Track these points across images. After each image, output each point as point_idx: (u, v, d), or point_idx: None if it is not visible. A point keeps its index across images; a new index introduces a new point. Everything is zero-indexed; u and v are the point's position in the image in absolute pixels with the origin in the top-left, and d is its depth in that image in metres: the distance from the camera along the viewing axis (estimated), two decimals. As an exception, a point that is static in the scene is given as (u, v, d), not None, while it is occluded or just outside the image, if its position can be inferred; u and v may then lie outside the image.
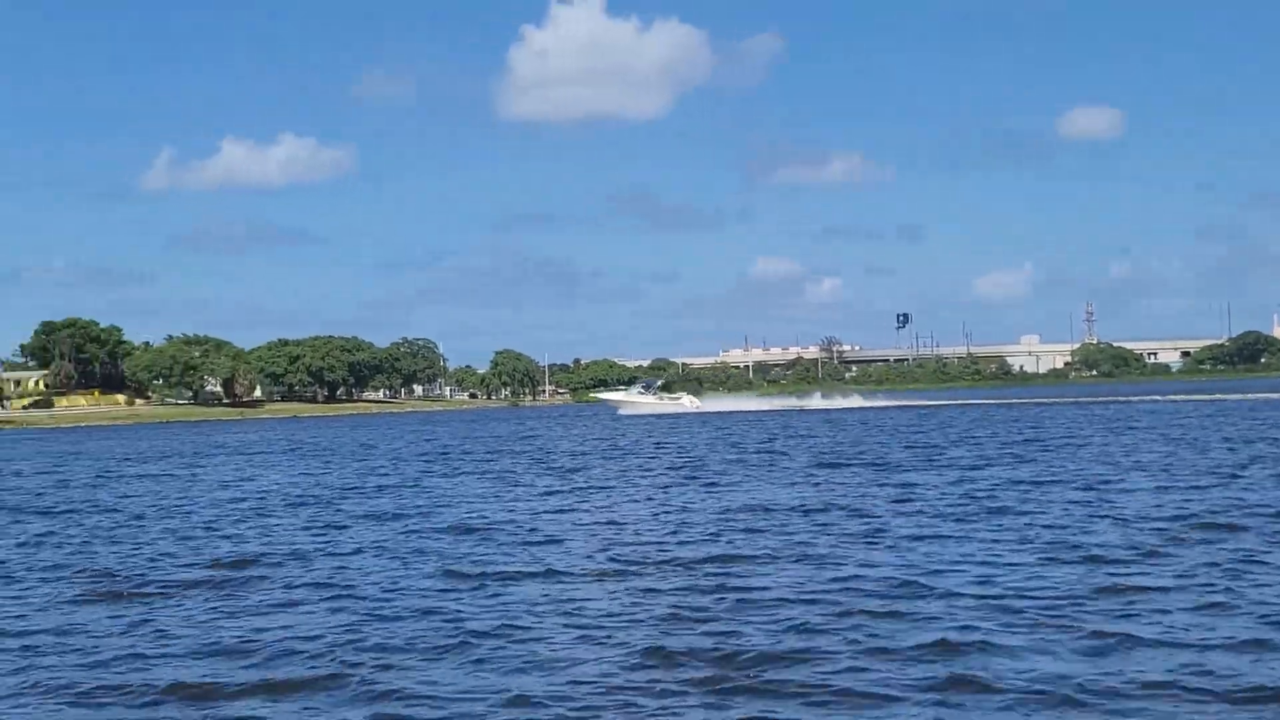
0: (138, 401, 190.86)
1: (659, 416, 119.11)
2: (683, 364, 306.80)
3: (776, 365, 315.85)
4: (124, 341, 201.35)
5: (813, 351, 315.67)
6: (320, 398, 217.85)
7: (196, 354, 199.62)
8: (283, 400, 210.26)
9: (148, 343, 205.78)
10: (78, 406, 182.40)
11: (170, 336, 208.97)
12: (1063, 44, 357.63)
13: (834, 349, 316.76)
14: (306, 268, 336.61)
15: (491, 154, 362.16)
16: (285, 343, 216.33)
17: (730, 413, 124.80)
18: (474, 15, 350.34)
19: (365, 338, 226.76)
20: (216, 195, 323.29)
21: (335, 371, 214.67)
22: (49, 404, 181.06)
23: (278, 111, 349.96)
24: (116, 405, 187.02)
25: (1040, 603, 16.12)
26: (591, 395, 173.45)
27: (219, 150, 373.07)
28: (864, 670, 13.10)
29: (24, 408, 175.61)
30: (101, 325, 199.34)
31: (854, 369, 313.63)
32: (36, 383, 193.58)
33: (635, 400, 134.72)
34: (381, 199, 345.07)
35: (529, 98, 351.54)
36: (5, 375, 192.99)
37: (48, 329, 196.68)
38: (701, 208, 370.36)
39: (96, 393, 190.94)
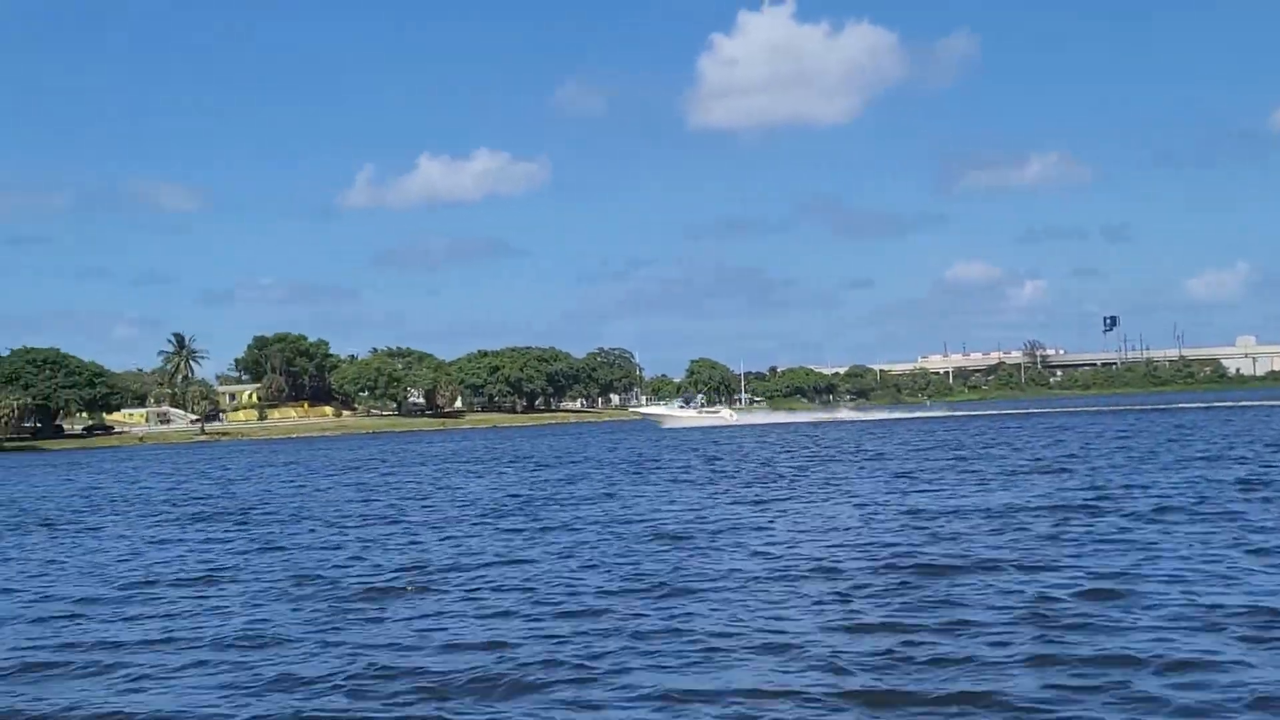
0: (344, 413, 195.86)
1: (707, 429, 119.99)
2: (880, 370, 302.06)
3: (977, 370, 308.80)
4: (331, 355, 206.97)
5: (1015, 356, 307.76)
6: (519, 408, 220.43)
7: (400, 366, 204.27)
8: (483, 410, 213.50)
9: (353, 356, 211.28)
10: (289, 418, 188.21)
11: (375, 350, 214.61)
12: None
13: (1037, 353, 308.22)
14: (503, 280, 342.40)
15: (682, 163, 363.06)
16: (485, 354, 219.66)
17: (769, 424, 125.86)
18: (663, 26, 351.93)
19: (562, 348, 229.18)
20: (415, 211, 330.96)
21: (533, 382, 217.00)
22: (263, 416, 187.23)
23: (473, 127, 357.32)
24: (325, 416, 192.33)
25: None
26: (632, 410, 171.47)
27: (416, 167, 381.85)
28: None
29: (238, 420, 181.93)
30: (310, 339, 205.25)
31: (1059, 373, 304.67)
32: (250, 395, 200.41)
33: (677, 414, 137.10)
34: (575, 210, 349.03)
35: (719, 106, 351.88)
36: (221, 388, 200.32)
37: (260, 343, 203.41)
38: (894, 212, 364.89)
39: (306, 405, 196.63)
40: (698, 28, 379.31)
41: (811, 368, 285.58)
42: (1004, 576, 18.27)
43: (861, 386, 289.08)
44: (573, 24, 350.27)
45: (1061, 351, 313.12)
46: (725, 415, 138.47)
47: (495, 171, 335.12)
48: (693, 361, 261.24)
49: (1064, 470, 40.18)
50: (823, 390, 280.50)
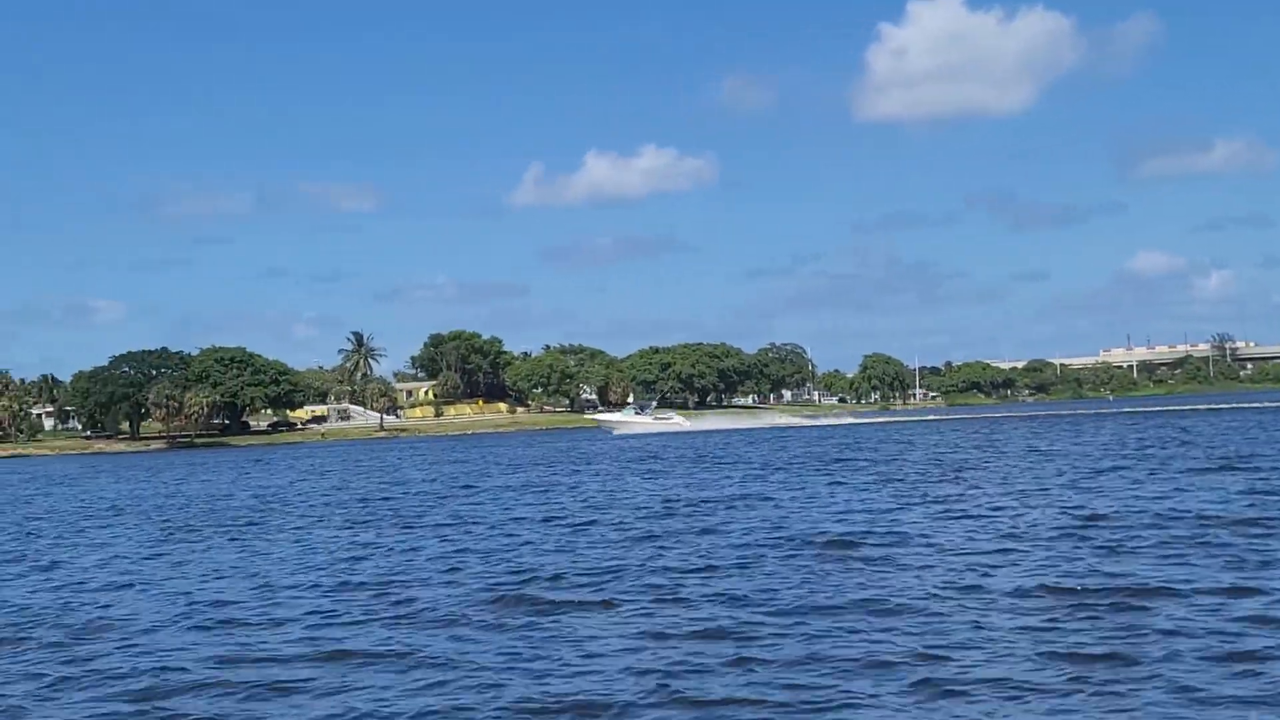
0: (518, 409, 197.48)
1: (659, 435, 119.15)
2: (1060, 364, 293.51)
3: (1163, 364, 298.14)
4: (504, 352, 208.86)
5: (1202, 349, 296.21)
6: (691, 404, 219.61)
7: (572, 363, 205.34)
8: (656, 407, 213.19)
9: (526, 353, 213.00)
10: (464, 414, 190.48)
11: (548, 347, 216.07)
12: None
13: (1226, 346, 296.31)
14: (671, 276, 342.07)
15: (849, 157, 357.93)
16: (656, 350, 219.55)
17: (720, 431, 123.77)
18: (830, 17, 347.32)
19: (733, 344, 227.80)
20: (582, 208, 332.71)
21: (705, 378, 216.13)
22: (439, 412, 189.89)
23: (639, 124, 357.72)
24: (499, 413, 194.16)
25: None
26: (588, 417, 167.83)
27: (584, 165, 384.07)
28: None
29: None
30: (484, 337, 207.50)
31: (1249, 366, 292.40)
32: (427, 392, 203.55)
33: (630, 421, 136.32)
34: (742, 206, 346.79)
35: (887, 98, 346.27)
36: (399, 385, 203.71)
37: (435, 341, 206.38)
38: (1069, 202, 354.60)
39: (480, 401, 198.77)
40: (865, 18, 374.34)
41: (988, 362, 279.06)
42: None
43: (1040, 381, 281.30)
44: (738, 18, 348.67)
45: (1252, 344, 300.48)
46: (678, 422, 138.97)
47: (662, 168, 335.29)
48: (866, 357, 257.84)
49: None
50: (1000, 385, 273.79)
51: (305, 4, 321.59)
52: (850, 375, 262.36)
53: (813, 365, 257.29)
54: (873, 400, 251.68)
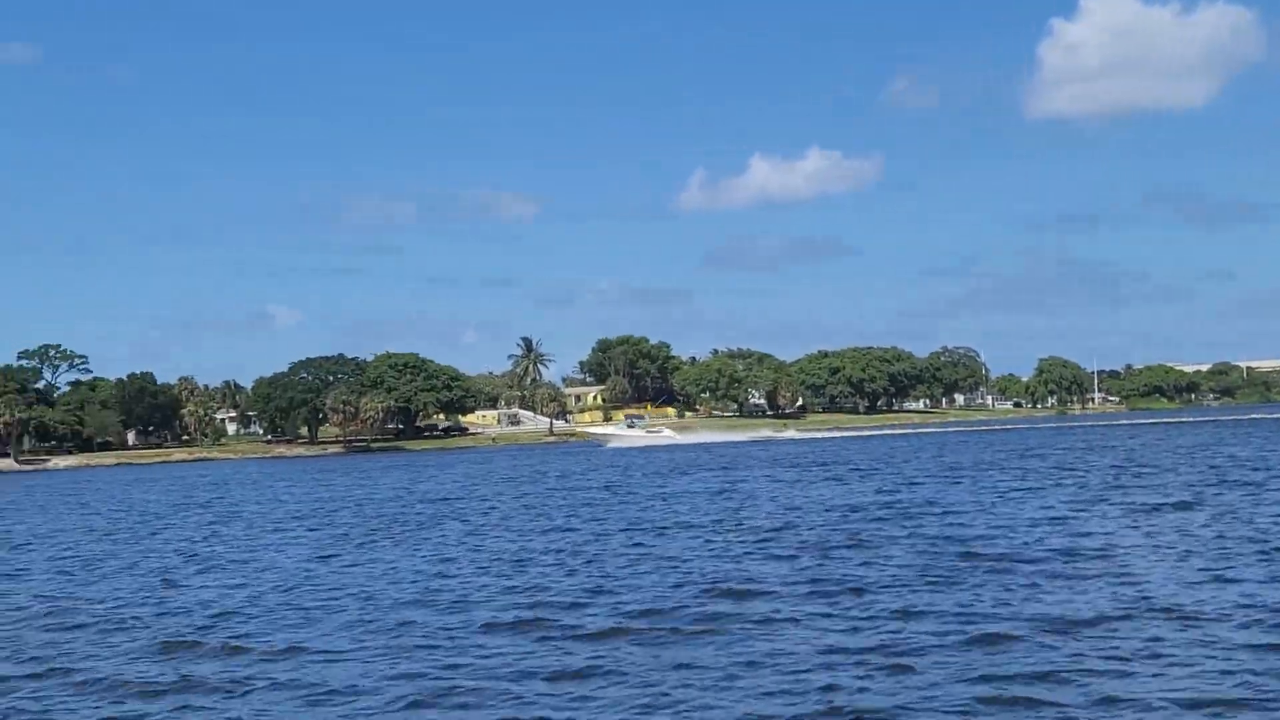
0: (687, 414, 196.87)
1: (652, 448, 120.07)
2: (1247, 367, 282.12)
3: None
4: (672, 357, 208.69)
5: None
6: (861, 408, 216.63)
7: (740, 367, 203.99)
8: (824, 411, 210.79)
9: (694, 357, 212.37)
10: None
11: (716, 351, 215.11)
12: None
13: None
14: (837, 279, 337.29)
15: (1021, 155, 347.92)
16: (825, 354, 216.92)
17: (714, 444, 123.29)
18: (998, 15, 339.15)
19: (903, 347, 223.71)
20: (747, 211, 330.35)
21: (875, 382, 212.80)
22: (607, 416, 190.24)
23: (804, 126, 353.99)
24: (667, 417, 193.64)
25: None
26: (581, 432, 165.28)
27: (748, 168, 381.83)
28: None
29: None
30: (651, 342, 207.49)
31: None
32: (595, 397, 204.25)
33: (624, 434, 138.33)
34: (911, 207, 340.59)
35: (1059, 94, 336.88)
36: (567, 390, 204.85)
37: (603, 346, 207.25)
38: (1255, 200, 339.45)
39: (649, 405, 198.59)
40: (1036, 14, 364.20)
41: (1170, 365, 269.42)
42: None
43: (1226, 384, 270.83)
44: (904, 17, 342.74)
45: None
46: (668, 435, 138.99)
47: (827, 170, 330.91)
48: (1041, 360, 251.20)
49: None
50: (1183, 389, 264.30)
51: (469, 14, 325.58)
52: (1025, 379, 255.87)
53: (986, 369, 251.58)
54: (1049, 405, 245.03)
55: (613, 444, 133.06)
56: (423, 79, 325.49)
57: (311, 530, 38.44)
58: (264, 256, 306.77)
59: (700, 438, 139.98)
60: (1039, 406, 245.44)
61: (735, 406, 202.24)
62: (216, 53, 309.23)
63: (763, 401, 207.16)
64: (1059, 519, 30.05)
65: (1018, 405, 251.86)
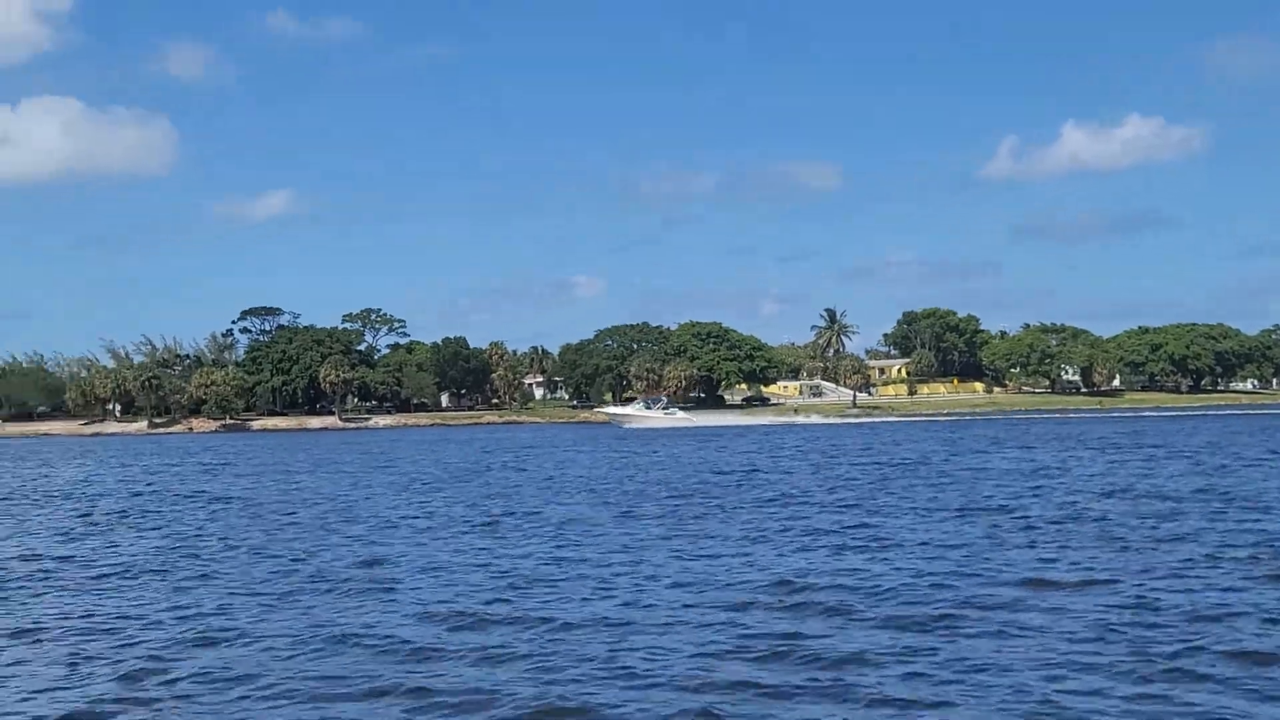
0: (995, 390, 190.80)
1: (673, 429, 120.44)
2: None
3: None
4: (981, 331, 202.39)
5: None
6: (1183, 388, 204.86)
7: (1053, 342, 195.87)
8: (1142, 390, 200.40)
9: (1003, 332, 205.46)
10: (938, 393, 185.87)
11: (1026, 325, 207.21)
12: None
13: None
14: (1155, 252, 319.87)
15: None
16: (1145, 330, 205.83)
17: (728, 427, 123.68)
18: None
19: (1231, 324, 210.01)
20: (1058, 181, 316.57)
21: (1200, 360, 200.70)
22: (912, 390, 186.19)
23: (1123, 93, 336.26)
24: (974, 393, 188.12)
25: None
26: (598, 412, 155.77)
27: (1060, 136, 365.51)
28: None
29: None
30: (959, 315, 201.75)
31: None
32: (899, 370, 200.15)
33: (643, 415, 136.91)
34: (1239, 178, 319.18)
35: None
36: (871, 363, 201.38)
37: (909, 319, 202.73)
38: None
39: (955, 381, 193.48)
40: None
41: None
42: None
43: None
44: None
45: None
46: (683, 417, 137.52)
47: (1147, 138, 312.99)
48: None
49: None
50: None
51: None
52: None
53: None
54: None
55: (630, 425, 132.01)
56: (725, 50, 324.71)
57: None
58: (567, 226, 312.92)
59: (712, 421, 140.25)
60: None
61: (1047, 383, 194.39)
62: (522, 28, 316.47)
63: (1076, 379, 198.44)
64: None
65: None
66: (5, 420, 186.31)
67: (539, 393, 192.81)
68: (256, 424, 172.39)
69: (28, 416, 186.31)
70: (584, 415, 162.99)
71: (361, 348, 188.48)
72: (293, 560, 23.79)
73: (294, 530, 29.72)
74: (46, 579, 22.17)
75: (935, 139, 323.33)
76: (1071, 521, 27.14)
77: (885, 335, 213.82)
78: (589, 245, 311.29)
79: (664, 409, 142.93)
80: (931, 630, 15.68)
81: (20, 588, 21.11)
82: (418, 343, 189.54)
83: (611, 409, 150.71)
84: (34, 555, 25.75)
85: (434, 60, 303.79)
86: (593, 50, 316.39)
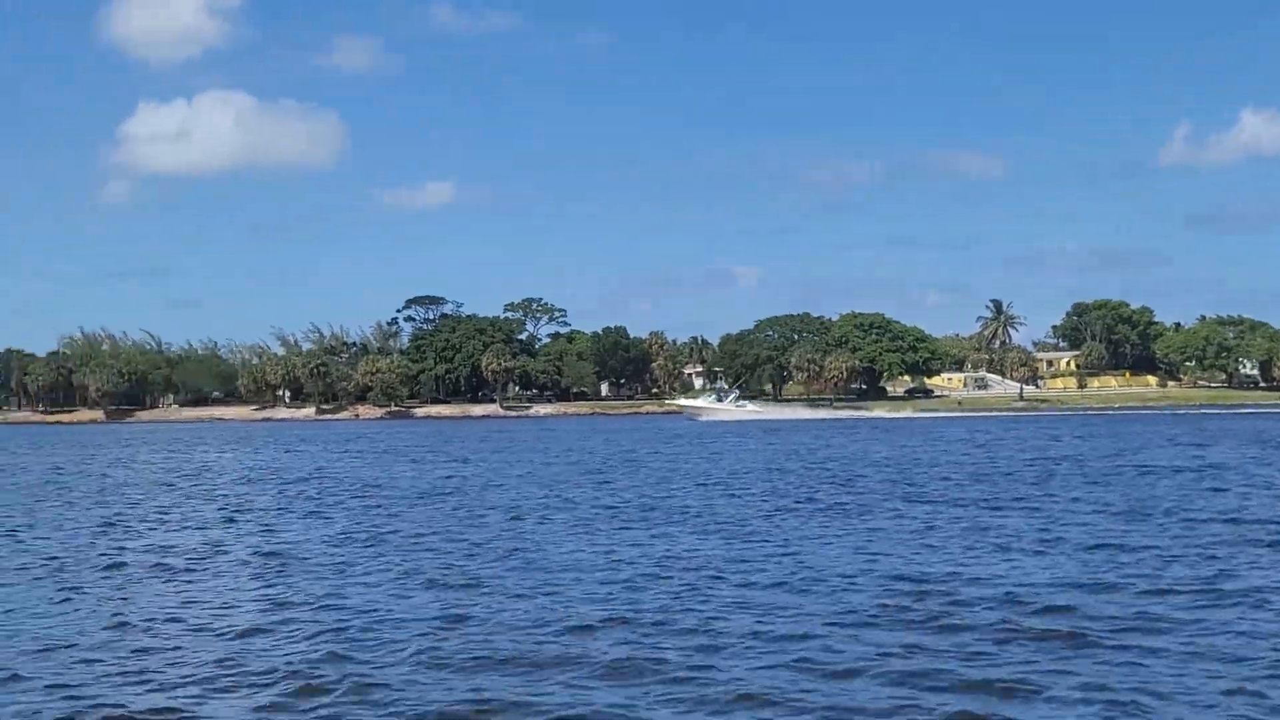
0: (1169, 383, 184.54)
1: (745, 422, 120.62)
2: None
3: None
4: (1154, 323, 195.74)
5: None
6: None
7: (1230, 335, 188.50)
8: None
9: (1178, 324, 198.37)
10: (1109, 386, 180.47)
11: (1202, 317, 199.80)
12: None
13: None
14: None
15: None
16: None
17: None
18: None
19: None
20: (1235, 169, 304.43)
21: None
22: (1082, 384, 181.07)
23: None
24: (1147, 386, 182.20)
25: None
26: (669, 404, 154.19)
27: (1238, 121, 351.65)
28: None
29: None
30: (1131, 306, 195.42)
31: None
32: (1068, 363, 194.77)
33: (716, 408, 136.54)
34: None
35: None
36: (1039, 355, 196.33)
37: (1078, 310, 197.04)
38: None
39: (1127, 374, 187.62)
40: None
41: None
42: None
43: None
44: None
45: None
46: (752, 409, 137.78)
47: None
48: None
49: None
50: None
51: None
52: None
53: None
54: None
55: (704, 417, 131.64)
56: (884, 37, 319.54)
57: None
58: (726, 216, 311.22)
59: (779, 414, 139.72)
60: None
61: (1224, 377, 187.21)
62: (677, 16, 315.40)
63: (1254, 373, 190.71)
64: None
65: None
66: (181, 405, 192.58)
67: (698, 383, 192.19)
68: (420, 411, 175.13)
69: (202, 401, 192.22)
70: (667, 405, 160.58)
71: (523, 337, 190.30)
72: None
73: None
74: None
75: (1106, 127, 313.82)
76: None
77: (1054, 327, 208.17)
78: (748, 234, 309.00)
79: (734, 401, 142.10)
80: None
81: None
82: (578, 332, 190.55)
83: (683, 400, 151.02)
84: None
85: (591, 50, 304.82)
86: (748, 37, 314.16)
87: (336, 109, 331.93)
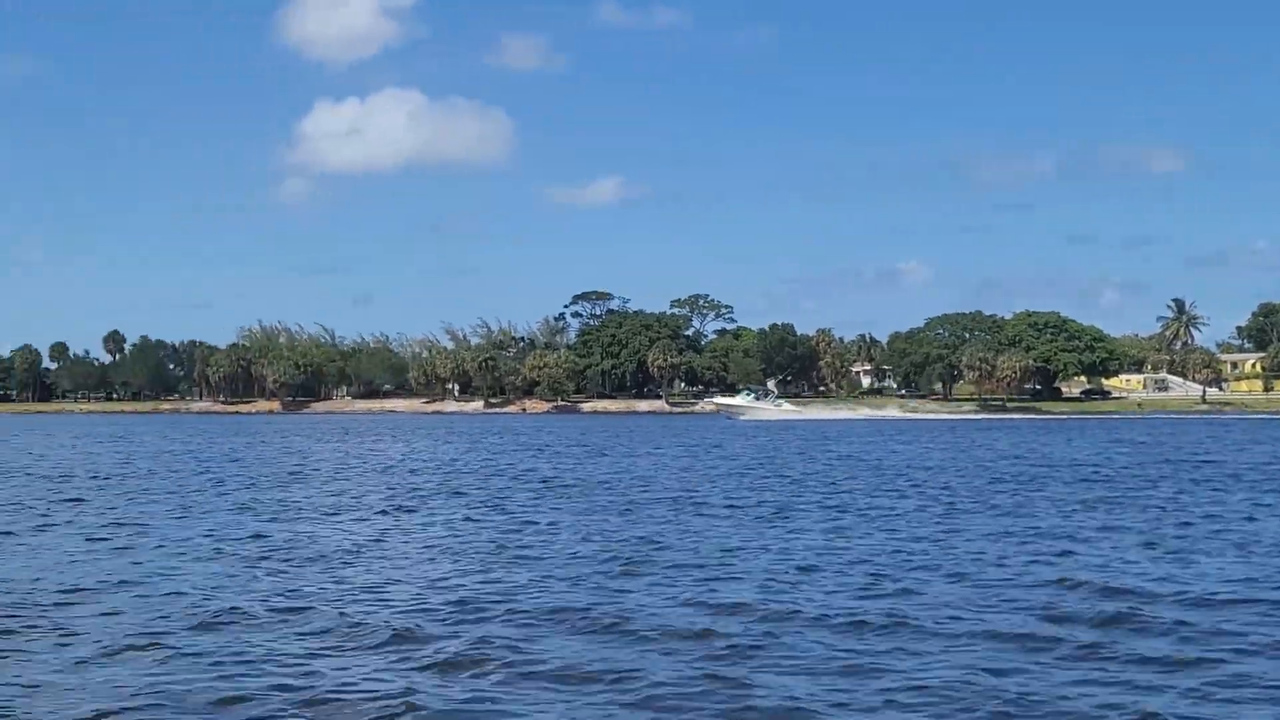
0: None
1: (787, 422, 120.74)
2: None
3: None
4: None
5: None
6: None
7: None
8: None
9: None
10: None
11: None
12: None
13: None
14: None
15: None
16: None
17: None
18: None
19: None
20: None
21: None
22: (1268, 387, 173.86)
23: None
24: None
25: None
26: (706, 403, 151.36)
27: None
28: None
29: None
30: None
31: None
32: (1254, 364, 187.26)
33: (756, 407, 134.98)
34: None
35: None
36: (1223, 356, 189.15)
37: (1265, 310, 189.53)
38: None
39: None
40: None
41: None
42: None
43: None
44: None
45: None
46: (789, 409, 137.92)
47: None
48: None
49: None
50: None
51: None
52: None
53: None
54: None
55: (744, 417, 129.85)
56: (1061, 37, 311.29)
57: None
58: (896, 213, 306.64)
59: (819, 414, 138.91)
60: None
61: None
62: (842, 13, 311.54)
63: None
64: None
65: None
66: (355, 397, 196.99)
67: (866, 381, 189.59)
68: (586, 406, 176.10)
69: (374, 394, 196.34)
70: (914, 404, 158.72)
71: (689, 333, 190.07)
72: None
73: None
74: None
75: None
76: None
77: (1238, 328, 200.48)
78: (917, 231, 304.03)
79: (773, 400, 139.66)
80: None
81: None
82: (744, 329, 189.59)
83: (720, 399, 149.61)
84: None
85: (757, 46, 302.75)
86: (916, 31, 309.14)
87: (504, 106, 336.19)
